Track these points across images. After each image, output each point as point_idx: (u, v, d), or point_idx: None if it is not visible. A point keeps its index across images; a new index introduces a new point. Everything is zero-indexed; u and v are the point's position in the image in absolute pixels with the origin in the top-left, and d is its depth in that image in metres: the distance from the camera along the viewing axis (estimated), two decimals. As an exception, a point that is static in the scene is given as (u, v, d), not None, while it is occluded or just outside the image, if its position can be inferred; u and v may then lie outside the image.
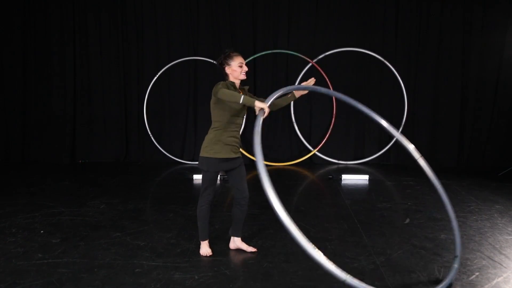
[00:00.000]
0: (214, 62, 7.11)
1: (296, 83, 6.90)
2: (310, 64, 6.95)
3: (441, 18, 6.93)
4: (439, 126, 7.12)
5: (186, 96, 7.28)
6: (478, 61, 6.96)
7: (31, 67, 7.24)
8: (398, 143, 7.06)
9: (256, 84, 7.13)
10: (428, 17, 6.97)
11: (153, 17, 7.16)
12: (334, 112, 7.05)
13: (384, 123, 2.89)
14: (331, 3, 7.02)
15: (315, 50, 7.02)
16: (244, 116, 3.35)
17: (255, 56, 6.91)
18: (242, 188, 3.25)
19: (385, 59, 6.89)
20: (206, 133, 3.20)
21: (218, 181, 2.98)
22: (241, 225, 3.38)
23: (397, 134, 2.92)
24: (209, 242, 3.38)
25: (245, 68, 3.19)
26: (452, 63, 7.00)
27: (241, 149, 3.32)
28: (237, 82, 3.21)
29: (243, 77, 3.17)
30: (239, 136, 3.23)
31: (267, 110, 2.71)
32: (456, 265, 2.83)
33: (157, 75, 7.08)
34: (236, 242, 3.42)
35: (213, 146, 3.10)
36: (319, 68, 6.83)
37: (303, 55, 6.93)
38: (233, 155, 3.15)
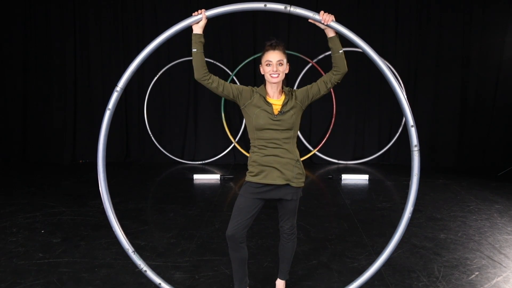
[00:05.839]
0: (215, 62, 7.15)
1: (296, 83, 6.91)
2: (310, 64, 6.95)
3: (441, 18, 6.93)
4: (439, 126, 7.12)
5: (186, 96, 7.27)
6: (478, 61, 6.95)
7: (32, 67, 7.24)
8: (398, 143, 7.09)
9: (257, 85, 7.09)
10: (428, 17, 6.97)
11: (153, 17, 7.16)
12: (334, 112, 7.05)
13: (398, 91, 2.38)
14: (331, 2, 7.02)
15: (315, 50, 7.02)
16: (290, 129, 2.33)
17: (255, 56, 6.92)
18: (283, 220, 2.52)
19: (385, 59, 6.90)
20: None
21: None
22: (284, 264, 2.65)
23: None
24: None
25: (274, 68, 2.31)
26: (452, 63, 6.99)
27: (299, 177, 2.41)
28: (274, 88, 2.36)
29: (273, 80, 2.32)
30: (285, 155, 2.33)
31: (204, 16, 2.44)
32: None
33: (158, 75, 7.08)
34: (276, 286, 2.75)
35: (249, 167, 2.41)
36: (319, 68, 6.83)
37: (303, 55, 6.93)
38: (278, 181, 2.33)
